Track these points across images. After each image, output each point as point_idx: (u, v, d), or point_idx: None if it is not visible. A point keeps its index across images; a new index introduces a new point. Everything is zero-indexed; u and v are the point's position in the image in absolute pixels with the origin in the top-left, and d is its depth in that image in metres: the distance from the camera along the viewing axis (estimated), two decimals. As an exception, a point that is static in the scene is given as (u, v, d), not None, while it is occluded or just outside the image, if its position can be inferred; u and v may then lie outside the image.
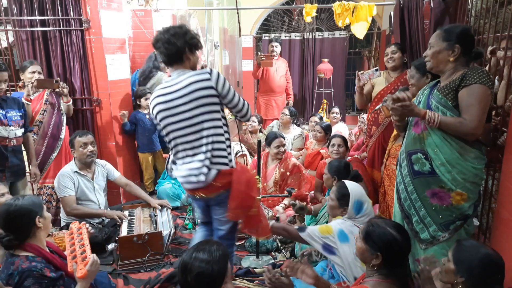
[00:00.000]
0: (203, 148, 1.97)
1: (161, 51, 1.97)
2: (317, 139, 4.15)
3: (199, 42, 2.03)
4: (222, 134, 2.01)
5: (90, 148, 3.03)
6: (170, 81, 2.01)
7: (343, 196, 2.16)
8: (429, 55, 1.93)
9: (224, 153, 2.02)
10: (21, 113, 2.84)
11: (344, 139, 3.41)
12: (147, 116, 3.79)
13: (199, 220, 2.52)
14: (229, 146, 2.07)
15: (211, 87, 1.92)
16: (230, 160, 2.05)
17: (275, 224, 2.25)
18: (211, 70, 1.95)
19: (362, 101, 3.25)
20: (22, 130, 2.84)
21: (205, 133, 1.97)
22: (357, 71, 3.15)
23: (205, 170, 1.98)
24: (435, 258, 1.88)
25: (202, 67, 2.12)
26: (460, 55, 1.84)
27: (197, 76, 1.93)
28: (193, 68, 2.05)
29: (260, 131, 5.11)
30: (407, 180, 2.00)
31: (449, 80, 1.88)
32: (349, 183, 2.21)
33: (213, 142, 1.98)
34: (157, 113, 2.03)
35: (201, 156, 1.98)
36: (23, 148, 2.99)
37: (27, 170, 3.14)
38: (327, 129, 4.13)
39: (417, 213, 1.97)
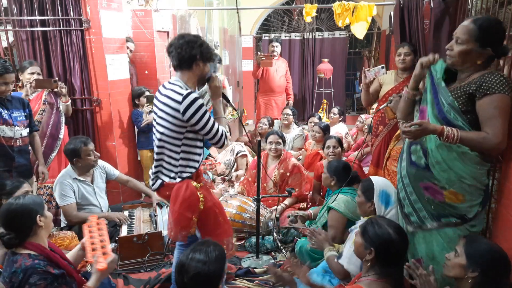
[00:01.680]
0: (159, 156, 2.07)
1: (173, 55, 2.00)
2: (316, 139, 4.16)
3: (212, 55, 2.05)
4: (178, 153, 2.02)
5: (95, 153, 3.04)
6: (167, 84, 2.05)
7: (368, 189, 2.14)
8: (456, 53, 1.74)
9: (172, 168, 2.04)
10: (25, 113, 2.84)
11: (339, 140, 3.41)
12: (144, 115, 3.85)
13: None
14: (189, 160, 2.04)
15: (177, 110, 1.93)
16: (180, 176, 2.03)
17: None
18: (187, 95, 1.91)
19: (368, 99, 3.24)
20: (27, 130, 2.83)
21: (162, 143, 2.04)
22: (363, 68, 3.15)
23: (153, 178, 2.11)
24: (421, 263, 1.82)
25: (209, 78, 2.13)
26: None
27: (174, 93, 1.95)
28: (201, 77, 2.07)
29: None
30: (403, 165, 1.98)
31: (464, 82, 1.77)
32: (373, 177, 2.21)
33: (168, 156, 2.04)
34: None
35: (155, 163, 2.10)
36: (30, 148, 2.96)
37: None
38: (326, 129, 4.15)
39: (407, 197, 1.94)
